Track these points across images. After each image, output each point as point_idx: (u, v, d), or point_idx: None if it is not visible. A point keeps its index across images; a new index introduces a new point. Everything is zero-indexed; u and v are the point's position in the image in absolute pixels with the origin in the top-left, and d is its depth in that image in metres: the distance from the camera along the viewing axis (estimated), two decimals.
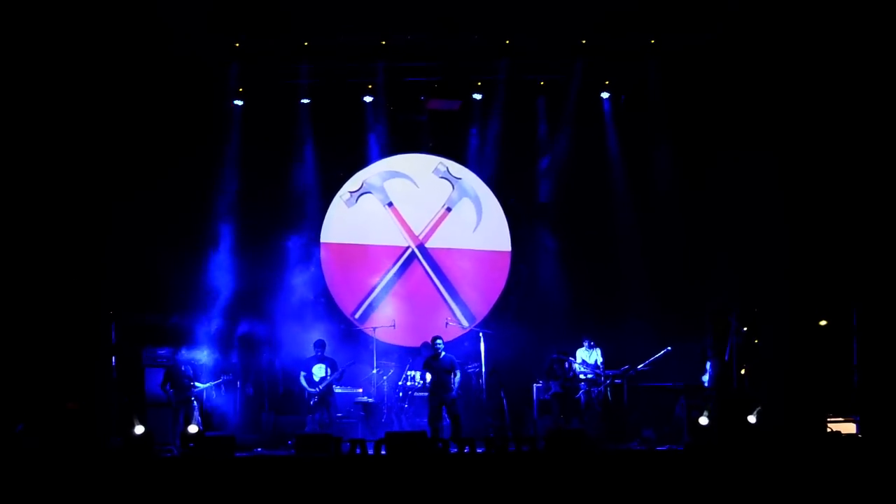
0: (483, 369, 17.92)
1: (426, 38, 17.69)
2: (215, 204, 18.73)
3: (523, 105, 19.30)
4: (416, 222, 19.86)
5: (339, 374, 17.02)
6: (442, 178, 20.02)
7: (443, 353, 16.47)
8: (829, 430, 15.51)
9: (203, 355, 17.56)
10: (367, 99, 18.97)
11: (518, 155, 19.63)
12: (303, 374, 16.97)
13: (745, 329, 17.47)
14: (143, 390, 17.22)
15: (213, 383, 17.18)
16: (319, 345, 17.27)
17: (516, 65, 18.40)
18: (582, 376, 17.52)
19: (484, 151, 19.68)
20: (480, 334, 18.15)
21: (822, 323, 17.14)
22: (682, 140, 18.55)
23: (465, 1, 16.72)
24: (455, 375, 16.49)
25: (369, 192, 19.88)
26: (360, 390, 17.96)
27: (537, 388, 17.65)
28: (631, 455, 15.13)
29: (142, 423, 15.83)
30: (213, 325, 18.00)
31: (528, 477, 13.01)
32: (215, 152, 18.68)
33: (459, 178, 19.99)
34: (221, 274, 18.37)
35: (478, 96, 19.01)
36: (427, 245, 19.83)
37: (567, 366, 17.31)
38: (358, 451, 14.00)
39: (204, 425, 16.51)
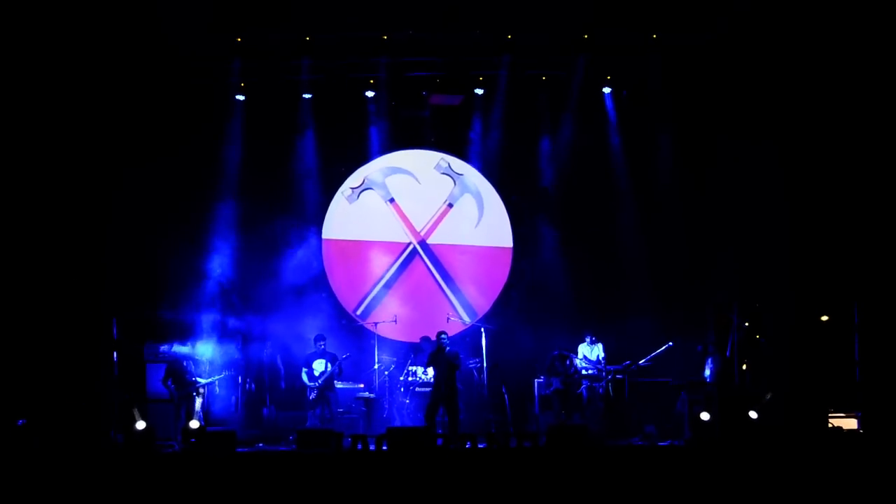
0: (485, 365, 17.93)
1: (428, 34, 17.68)
2: (217, 200, 18.73)
3: (525, 101, 19.27)
4: (417, 218, 19.86)
5: (337, 367, 17.00)
6: (444, 173, 20.01)
7: (447, 348, 16.45)
8: (830, 425, 15.51)
9: (204, 351, 17.56)
10: (369, 94, 18.96)
11: (520, 151, 19.61)
12: (304, 369, 16.98)
13: (747, 324, 17.46)
14: (145, 386, 17.24)
15: (214, 379, 17.18)
16: (320, 339, 17.27)
17: (518, 60, 18.39)
18: (584, 372, 17.51)
19: (486, 147, 19.67)
20: (482, 330, 18.16)
21: (824, 318, 17.13)
22: (684, 135, 18.56)
23: None
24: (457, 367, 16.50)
25: (371, 188, 19.87)
26: (362, 385, 17.96)
27: (539, 383, 17.64)
28: (632, 451, 15.13)
29: (143, 418, 15.84)
30: (215, 320, 17.99)
31: (530, 472, 13.03)
32: (217, 148, 18.68)
33: (461, 174, 19.98)
34: (223, 270, 18.38)
35: (480, 92, 18.99)
36: (429, 241, 19.83)
37: (568, 362, 17.30)
38: (359, 446, 14.01)
39: (205, 421, 16.50)
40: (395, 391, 17.90)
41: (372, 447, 14.09)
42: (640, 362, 17.43)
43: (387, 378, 17.98)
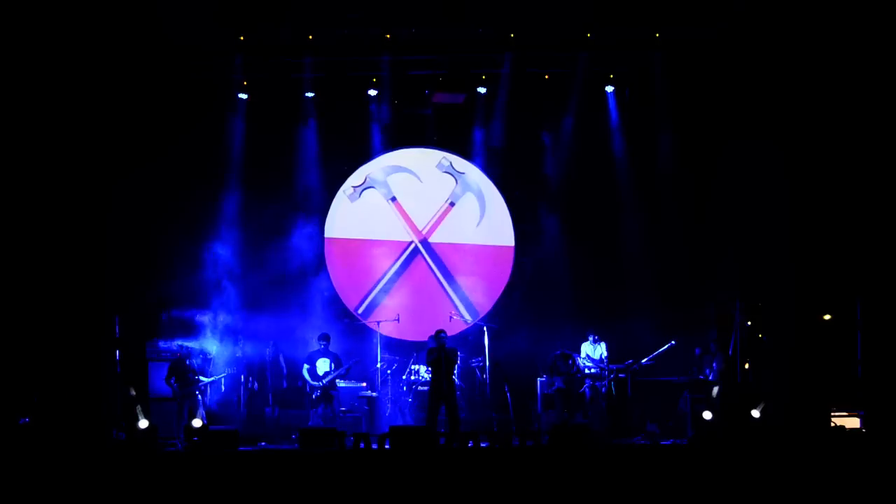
0: (487, 364, 17.92)
1: (431, 32, 17.65)
2: (219, 198, 18.75)
3: (528, 99, 19.26)
4: (419, 217, 19.86)
5: (345, 370, 17.02)
6: (445, 172, 20.01)
7: (447, 346, 16.42)
8: (832, 424, 15.50)
9: (207, 349, 17.58)
10: (372, 92, 18.94)
11: (522, 149, 19.60)
12: (306, 366, 16.97)
13: (749, 323, 17.47)
14: (147, 384, 17.24)
15: (217, 377, 17.20)
16: (323, 338, 17.26)
17: (521, 58, 18.36)
18: (586, 371, 17.51)
19: (488, 146, 19.66)
20: (484, 329, 18.16)
21: (826, 317, 17.11)
22: (687, 134, 18.54)
23: None
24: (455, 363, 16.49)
25: (373, 187, 19.87)
26: (365, 384, 17.96)
27: (541, 382, 17.64)
28: (635, 449, 15.13)
29: (146, 416, 15.84)
30: (218, 319, 18.01)
31: (532, 471, 13.03)
32: (219, 146, 18.69)
33: (463, 173, 19.98)
34: (225, 268, 18.39)
35: (482, 90, 18.98)
36: (430, 240, 19.83)
37: (570, 362, 17.29)
38: (362, 445, 14.01)
39: (208, 419, 16.51)
40: (397, 390, 17.90)
41: (374, 446, 14.08)
42: (643, 361, 17.43)
43: (389, 377, 17.98)
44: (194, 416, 16.23)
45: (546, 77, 19.02)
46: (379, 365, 17.98)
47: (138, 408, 16.20)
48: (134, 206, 17.18)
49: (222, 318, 18.06)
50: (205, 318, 17.92)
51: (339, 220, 19.79)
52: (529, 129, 19.48)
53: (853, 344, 16.93)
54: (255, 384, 18.14)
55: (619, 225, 19.12)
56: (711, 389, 16.87)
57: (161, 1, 16.04)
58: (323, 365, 16.93)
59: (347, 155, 19.73)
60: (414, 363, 17.98)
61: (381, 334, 18.41)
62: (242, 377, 17.90)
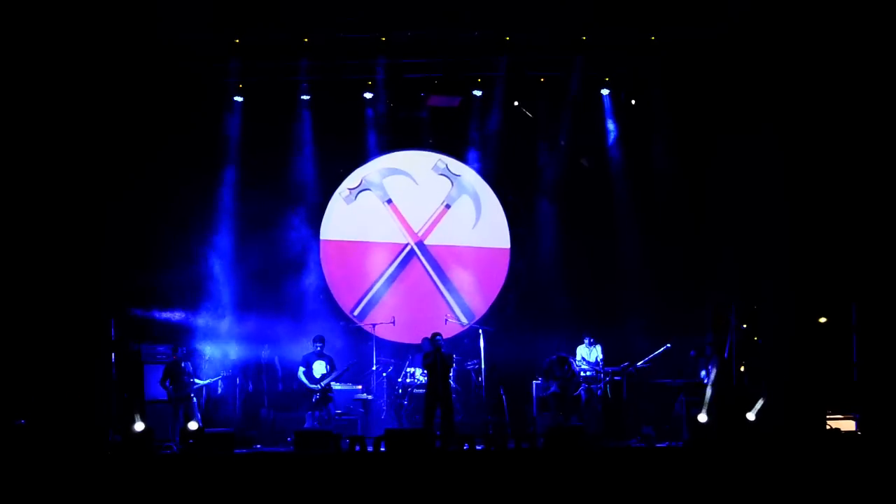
0: (482, 366, 17.92)
1: (426, 35, 17.64)
2: (214, 200, 18.75)
3: (523, 102, 19.25)
4: (415, 219, 19.86)
5: (341, 373, 17.00)
6: (441, 174, 20.02)
7: (443, 349, 16.43)
8: (828, 427, 15.52)
9: (202, 352, 17.56)
10: (367, 95, 18.94)
11: (518, 152, 19.60)
12: (301, 369, 16.94)
13: (745, 326, 17.47)
14: (143, 387, 17.23)
15: (212, 380, 17.19)
16: (318, 340, 17.24)
17: (517, 61, 18.36)
18: (582, 374, 17.51)
19: (484, 148, 19.67)
20: (480, 331, 18.16)
21: (822, 320, 17.12)
22: (683, 136, 18.56)
23: None
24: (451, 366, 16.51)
25: (368, 189, 19.87)
26: (360, 387, 17.95)
27: (536, 385, 17.63)
28: (630, 452, 15.15)
29: (141, 419, 15.83)
30: (213, 321, 18.00)
31: (528, 474, 13.04)
32: (214, 149, 18.67)
33: (459, 175, 19.99)
34: (220, 270, 18.38)
35: (478, 93, 18.98)
36: (426, 242, 19.83)
37: (566, 366, 17.25)
38: (357, 448, 14.01)
39: (203, 422, 16.50)
40: (392, 393, 17.89)
41: (370, 449, 14.08)
42: (639, 364, 17.43)
43: (384, 379, 17.98)
44: (190, 419, 16.23)
45: (542, 80, 19.01)
46: (374, 367, 17.97)
47: (133, 411, 16.19)
48: (130, 209, 17.15)
49: (217, 320, 18.05)
50: (200, 321, 17.90)
51: (335, 222, 19.79)
52: (525, 131, 19.47)
53: (849, 347, 16.92)
54: (251, 386, 18.15)
55: (615, 227, 19.13)
56: (705, 392, 16.86)
57: (158, 3, 15.99)
58: (319, 367, 16.92)
59: (343, 157, 19.71)
60: (409, 366, 17.97)
61: (376, 337, 18.40)
62: (238, 379, 17.91)
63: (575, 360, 17.54)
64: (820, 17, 16.01)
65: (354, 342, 18.78)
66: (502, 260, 19.91)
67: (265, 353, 18.22)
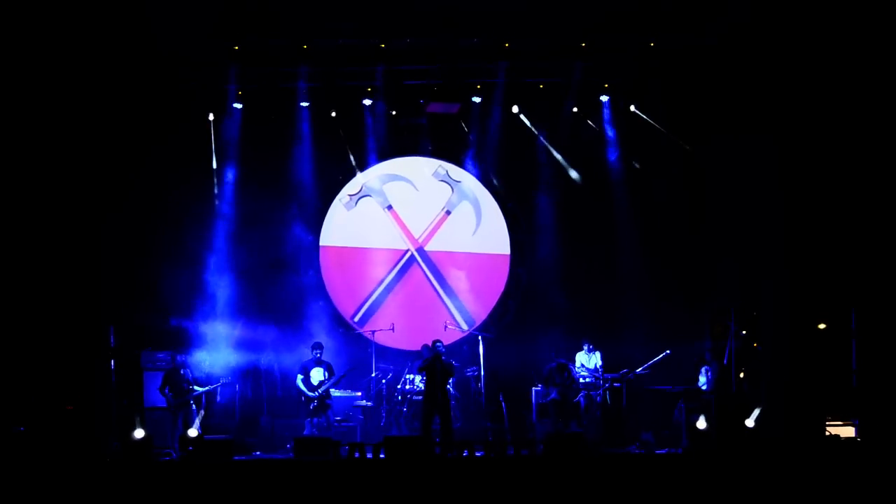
0: (482, 373, 17.92)
1: (426, 41, 17.66)
2: (214, 207, 18.78)
3: (523, 108, 19.26)
4: (415, 225, 19.87)
5: (338, 379, 16.98)
6: (441, 181, 20.04)
7: (443, 356, 16.43)
8: (827, 433, 15.50)
9: (202, 359, 17.57)
10: (367, 102, 18.95)
11: (517, 158, 19.60)
12: (300, 376, 16.91)
13: (744, 332, 17.47)
14: (142, 394, 17.23)
15: (211, 387, 17.18)
16: (317, 347, 17.22)
17: (515, 68, 18.37)
18: (581, 380, 17.50)
19: (483, 154, 19.67)
20: (479, 338, 18.17)
21: (821, 326, 17.12)
22: (682, 143, 18.58)
23: (465, 4, 16.71)
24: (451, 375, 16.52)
25: (369, 196, 19.89)
26: (360, 394, 17.95)
27: (536, 391, 17.62)
28: (629, 459, 15.15)
29: (141, 426, 15.83)
30: (212, 328, 18.00)
31: (527, 481, 13.01)
32: (213, 156, 18.68)
33: (459, 181, 20.00)
34: (220, 277, 18.38)
35: (477, 99, 18.98)
36: (426, 248, 19.84)
37: (566, 374, 17.23)
38: (357, 454, 14.00)
39: (202, 428, 16.50)
40: (392, 399, 17.88)
41: (369, 455, 14.07)
42: (638, 370, 17.43)
43: (384, 386, 17.97)
44: (189, 426, 16.23)
45: (541, 86, 19.01)
46: (374, 374, 17.97)
47: (133, 418, 16.21)
48: (129, 218, 17.20)
49: (217, 327, 18.05)
50: (199, 328, 17.90)
51: (335, 228, 19.80)
52: (525, 137, 19.47)
53: (848, 353, 16.90)
54: (250, 393, 18.15)
55: (614, 234, 19.13)
56: (704, 399, 16.86)
57: (155, 11, 16.01)
58: (317, 374, 16.89)
59: (343, 164, 19.71)
60: (409, 372, 17.96)
61: (376, 343, 18.40)
62: (237, 386, 17.91)
63: (574, 367, 17.53)
64: (819, 23, 16.03)
65: (354, 349, 18.77)
66: (502, 266, 19.92)
67: (264, 359, 18.22)
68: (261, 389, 18.18)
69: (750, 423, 15.66)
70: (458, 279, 19.76)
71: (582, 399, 17.37)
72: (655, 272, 18.54)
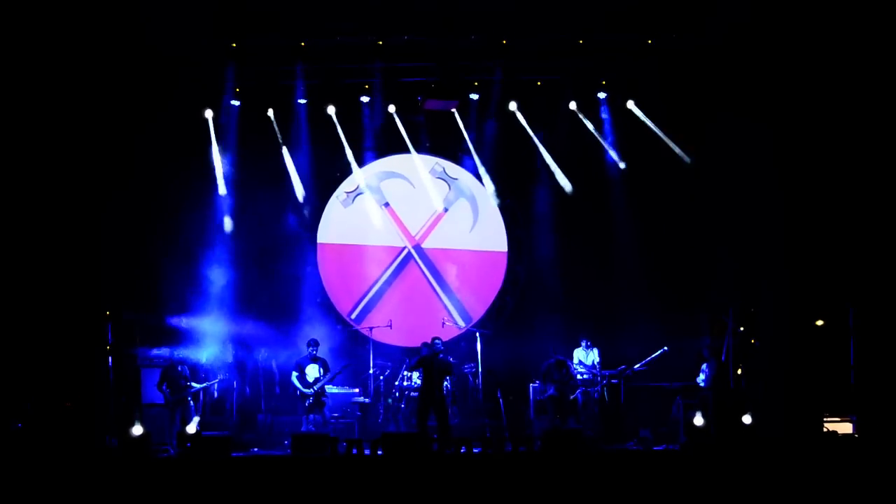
0: (479, 369, 17.93)
1: (423, 39, 17.66)
2: (211, 204, 18.75)
3: (520, 105, 19.25)
4: (412, 222, 19.87)
5: (334, 375, 16.96)
6: (438, 178, 20.03)
7: (440, 355, 16.42)
8: (825, 429, 15.53)
9: (199, 355, 17.56)
10: (364, 99, 18.94)
11: (514, 155, 19.59)
12: (294, 373, 16.88)
13: (742, 329, 17.48)
14: (140, 390, 17.22)
15: (209, 383, 17.17)
16: (313, 344, 17.19)
17: (513, 65, 18.37)
18: (579, 377, 17.51)
19: (480, 152, 19.66)
20: (477, 334, 18.17)
21: (819, 323, 17.14)
22: (679, 139, 18.58)
23: (463, 1, 16.71)
24: (447, 379, 16.51)
25: (366, 193, 19.86)
26: (357, 390, 17.94)
27: (534, 388, 17.63)
28: (627, 455, 15.17)
29: (139, 423, 15.82)
30: (210, 325, 17.98)
31: (525, 477, 13.02)
32: (211, 153, 18.66)
33: (456, 179, 20.00)
34: (217, 274, 18.37)
35: (475, 97, 18.98)
36: (423, 245, 19.84)
37: (565, 370, 17.22)
38: (354, 451, 14.00)
39: (200, 425, 16.49)
40: (390, 396, 17.88)
41: (367, 452, 14.06)
42: (636, 367, 17.42)
43: (382, 382, 17.96)
44: (187, 423, 16.22)
45: (538, 84, 19.01)
46: (371, 371, 17.96)
47: (131, 414, 16.20)
48: (127, 215, 17.19)
49: (214, 324, 18.03)
50: (197, 325, 17.89)
51: (332, 225, 19.80)
52: (522, 135, 19.45)
53: (846, 350, 16.94)
54: (248, 390, 18.14)
55: (613, 230, 19.13)
56: (702, 395, 16.88)
57: (155, 8, 16.01)
58: (313, 371, 16.87)
59: (340, 161, 19.68)
60: (406, 369, 17.95)
61: (373, 340, 18.39)
62: (234, 383, 17.89)
63: (572, 364, 17.54)
64: (818, 22, 16.06)
65: (352, 345, 18.77)
66: (499, 263, 19.92)
67: (262, 356, 18.21)
68: (258, 386, 18.17)
69: (747, 419, 15.68)
70: (456, 276, 19.75)
71: (580, 396, 17.39)
72: (653, 269, 18.55)
